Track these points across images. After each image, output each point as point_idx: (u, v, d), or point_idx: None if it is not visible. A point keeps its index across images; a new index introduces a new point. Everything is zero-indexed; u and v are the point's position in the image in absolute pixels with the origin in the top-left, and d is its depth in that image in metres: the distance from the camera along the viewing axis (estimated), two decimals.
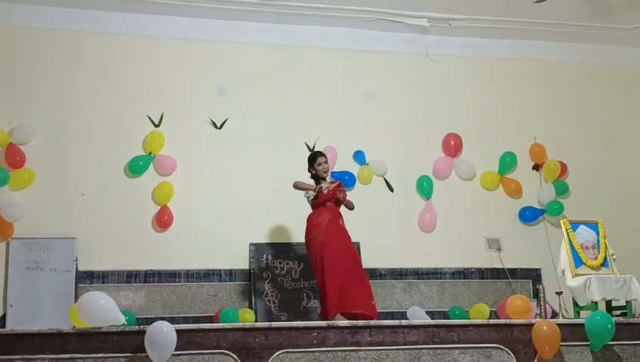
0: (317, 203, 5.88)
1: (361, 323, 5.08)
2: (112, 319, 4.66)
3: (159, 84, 6.86)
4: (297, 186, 5.97)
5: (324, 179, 5.97)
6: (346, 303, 5.50)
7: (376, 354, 4.87)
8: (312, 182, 5.98)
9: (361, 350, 4.86)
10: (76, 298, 5.96)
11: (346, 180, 6.97)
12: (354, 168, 7.10)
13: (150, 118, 6.76)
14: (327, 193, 5.84)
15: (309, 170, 6.01)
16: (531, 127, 7.47)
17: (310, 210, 5.95)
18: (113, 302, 4.77)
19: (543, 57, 7.66)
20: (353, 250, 5.92)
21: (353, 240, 6.59)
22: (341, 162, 7.01)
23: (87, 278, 6.25)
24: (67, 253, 6.13)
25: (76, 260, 6.13)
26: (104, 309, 4.64)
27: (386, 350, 4.89)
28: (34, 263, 6.08)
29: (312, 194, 5.87)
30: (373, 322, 5.12)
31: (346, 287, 5.56)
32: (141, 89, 6.81)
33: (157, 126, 6.77)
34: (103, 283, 6.27)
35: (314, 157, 6.05)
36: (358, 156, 7.13)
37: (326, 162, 6.01)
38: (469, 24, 7.28)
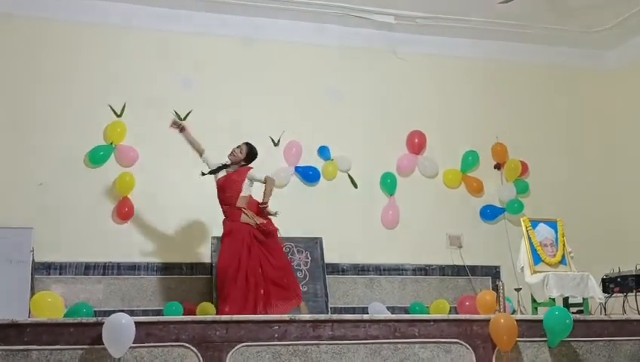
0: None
1: (322, 317, 5.07)
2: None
3: (122, 73, 6.76)
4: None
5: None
6: None
7: (338, 348, 4.86)
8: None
9: (322, 344, 4.83)
10: (32, 289, 5.84)
11: (310, 175, 7.00)
12: (318, 163, 7.10)
13: (112, 108, 6.66)
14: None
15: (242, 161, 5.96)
16: (494, 126, 7.57)
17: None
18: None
19: (506, 58, 7.77)
20: (257, 253, 5.75)
21: (316, 234, 6.66)
22: (306, 157, 7.02)
23: (44, 269, 6.14)
24: (24, 243, 5.95)
25: (33, 251, 5.98)
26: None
27: (347, 344, 4.88)
28: None
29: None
30: (335, 316, 5.12)
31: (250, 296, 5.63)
32: (103, 78, 6.71)
33: (119, 116, 6.67)
34: (60, 274, 6.18)
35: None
36: (323, 151, 7.13)
37: (232, 152, 5.94)
38: (436, 22, 7.34)
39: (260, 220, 5.78)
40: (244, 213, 5.79)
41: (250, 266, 5.63)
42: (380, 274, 6.97)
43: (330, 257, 6.77)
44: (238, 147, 5.96)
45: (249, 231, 5.74)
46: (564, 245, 5.92)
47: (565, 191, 7.54)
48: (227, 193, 5.83)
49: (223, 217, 6.58)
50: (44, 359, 4.42)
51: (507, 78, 7.77)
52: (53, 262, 6.18)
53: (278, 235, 5.91)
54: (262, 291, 5.60)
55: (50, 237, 6.13)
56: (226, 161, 5.94)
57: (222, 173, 5.93)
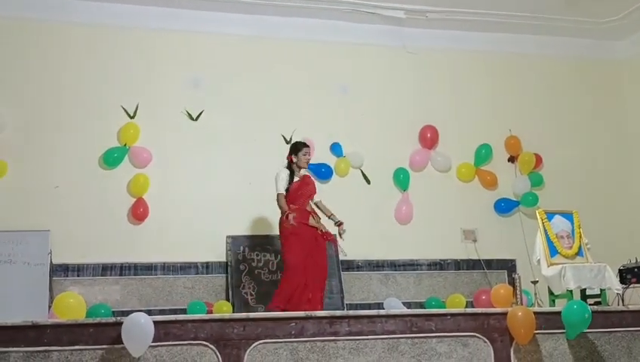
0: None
1: (339, 313, 5.08)
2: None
3: (134, 75, 6.80)
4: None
5: (303, 168, 5.96)
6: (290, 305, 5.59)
7: (355, 344, 4.86)
8: (285, 175, 5.90)
9: (339, 340, 4.84)
10: (51, 291, 5.89)
11: (322, 172, 7.00)
12: (331, 160, 7.11)
13: (125, 110, 6.70)
14: (291, 224, 5.74)
15: (289, 158, 5.97)
16: (507, 119, 7.54)
17: None
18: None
19: (518, 50, 7.74)
20: (314, 255, 5.80)
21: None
22: (318, 154, 7.01)
23: (61, 271, 6.19)
24: (41, 245, 6.03)
25: (50, 253, 6.04)
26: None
27: (364, 339, 4.88)
28: (6, 256, 5.97)
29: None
30: (351, 312, 5.14)
31: (297, 293, 5.63)
32: (116, 80, 6.75)
33: (132, 117, 6.70)
34: (78, 276, 6.23)
35: (300, 146, 5.99)
36: (335, 148, 7.14)
37: (310, 154, 6.02)
38: (446, 16, 7.32)
39: (325, 228, 5.92)
40: (312, 216, 5.90)
41: (308, 265, 5.71)
42: (395, 270, 6.97)
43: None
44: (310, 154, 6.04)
45: (314, 234, 5.84)
46: (580, 236, 5.88)
47: (580, 183, 7.51)
48: (299, 192, 5.89)
49: (235, 216, 6.68)
50: (64, 359, 4.46)
51: (519, 71, 7.74)
52: (71, 264, 6.23)
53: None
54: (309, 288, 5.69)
55: (67, 239, 6.20)
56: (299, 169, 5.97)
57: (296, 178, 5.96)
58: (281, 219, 5.88)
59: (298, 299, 5.62)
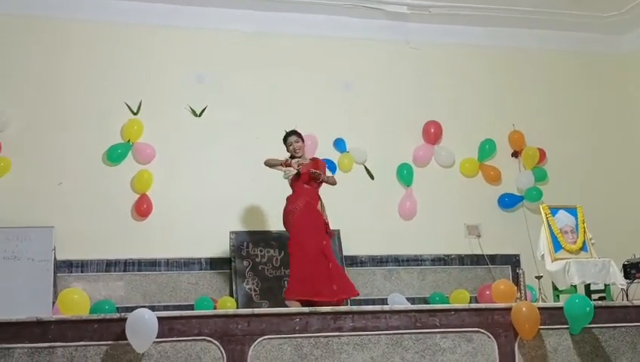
0: (295, 182, 5.79)
1: (343, 308, 5.08)
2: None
3: (137, 71, 6.80)
4: (268, 163, 5.87)
5: (297, 156, 5.88)
6: (303, 291, 5.51)
7: (359, 340, 4.86)
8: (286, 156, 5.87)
9: (343, 335, 4.84)
10: (55, 287, 5.91)
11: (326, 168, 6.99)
12: (334, 156, 7.10)
13: (128, 106, 6.70)
14: (299, 167, 5.65)
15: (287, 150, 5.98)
16: (510, 114, 7.53)
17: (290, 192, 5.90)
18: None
19: (521, 45, 7.71)
20: (322, 237, 5.72)
21: (334, 227, 6.59)
22: (321, 150, 7.00)
23: (65, 267, 6.20)
24: (45, 242, 6.04)
25: (54, 249, 6.05)
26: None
27: (368, 335, 4.88)
28: (11, 253, 5.98)
29: (290, 173, 5.77)
30: (355, 307, 5.12)
31: (307, 275, 5.53)
32: (119, 76, 6.75)
33: (135, 114, 6.71)
34: (82, 272, 6.24)
35: (285, 137, 5.98)
36: (339, 144, 7.13)
37: (297, 141, 5.90)
38: (449, 11, 7.29)
39: (327, 219, 5.82)
40: (322, 202, 5.83)
41: (326, 249, 5.65)
42: (399, 265, 6.97)
43: (348, 249, 6.78)
44: (297, 141, 5.90)
45: (322, 220, 5.76)
46: (584, 231, 5.88)
47: (584, 177, 7.49)
48: (317, 170, 5.75)
49: (239, 212, 6.69)
50: (69, 355, 4.47)
51: (522, 65, 7.72)
52: (75, 260, 6.23)
53: None
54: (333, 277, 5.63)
55: (70, 235, 6.20)
56: (297, 161, 5.80)
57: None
58: (284, 208, 5.81)
59: (323, 286, 5.51)
